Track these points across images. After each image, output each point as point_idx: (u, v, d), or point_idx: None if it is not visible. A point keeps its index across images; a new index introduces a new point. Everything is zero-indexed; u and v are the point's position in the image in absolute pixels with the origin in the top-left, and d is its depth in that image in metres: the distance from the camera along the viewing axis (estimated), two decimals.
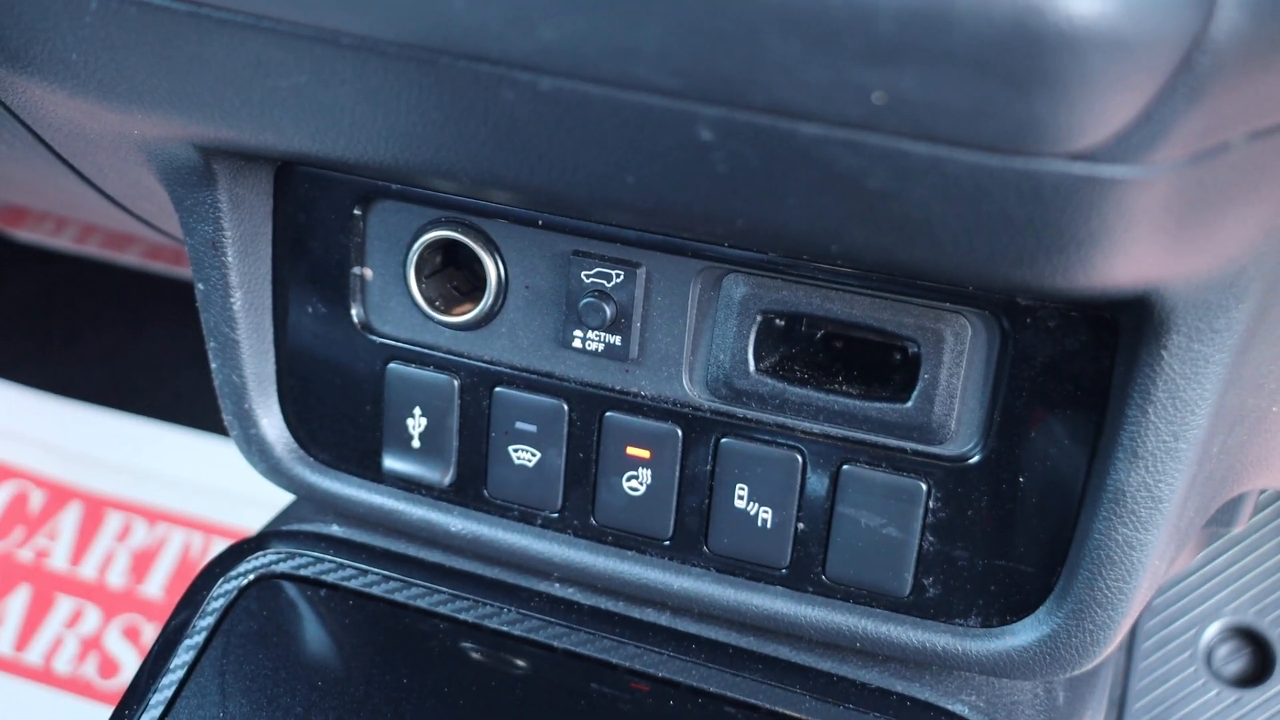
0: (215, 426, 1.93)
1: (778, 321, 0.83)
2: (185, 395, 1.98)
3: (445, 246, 0.87)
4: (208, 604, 0.92)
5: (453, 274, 0.89)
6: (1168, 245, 0.63)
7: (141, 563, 1.83)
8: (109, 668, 1.72)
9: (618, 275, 0.82)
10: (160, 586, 1.81)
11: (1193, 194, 0.60)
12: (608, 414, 0.86)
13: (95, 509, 1.89)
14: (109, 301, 2.13)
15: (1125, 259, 0.63)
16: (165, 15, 0.68)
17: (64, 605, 1.79)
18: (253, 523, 1.86)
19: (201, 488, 1.89)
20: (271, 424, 0.95)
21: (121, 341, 2.09)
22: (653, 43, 0.56)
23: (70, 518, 1.89)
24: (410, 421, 0.91)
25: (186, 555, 1.84)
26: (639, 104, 0.60)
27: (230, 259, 0.89)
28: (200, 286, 0.91)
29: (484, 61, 0.61)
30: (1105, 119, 0.54)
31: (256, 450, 0.95)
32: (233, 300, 0.90)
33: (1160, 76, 0.53)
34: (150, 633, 1.75)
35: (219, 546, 1.85)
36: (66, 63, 0.75)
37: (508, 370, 0.88)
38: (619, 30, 0.56)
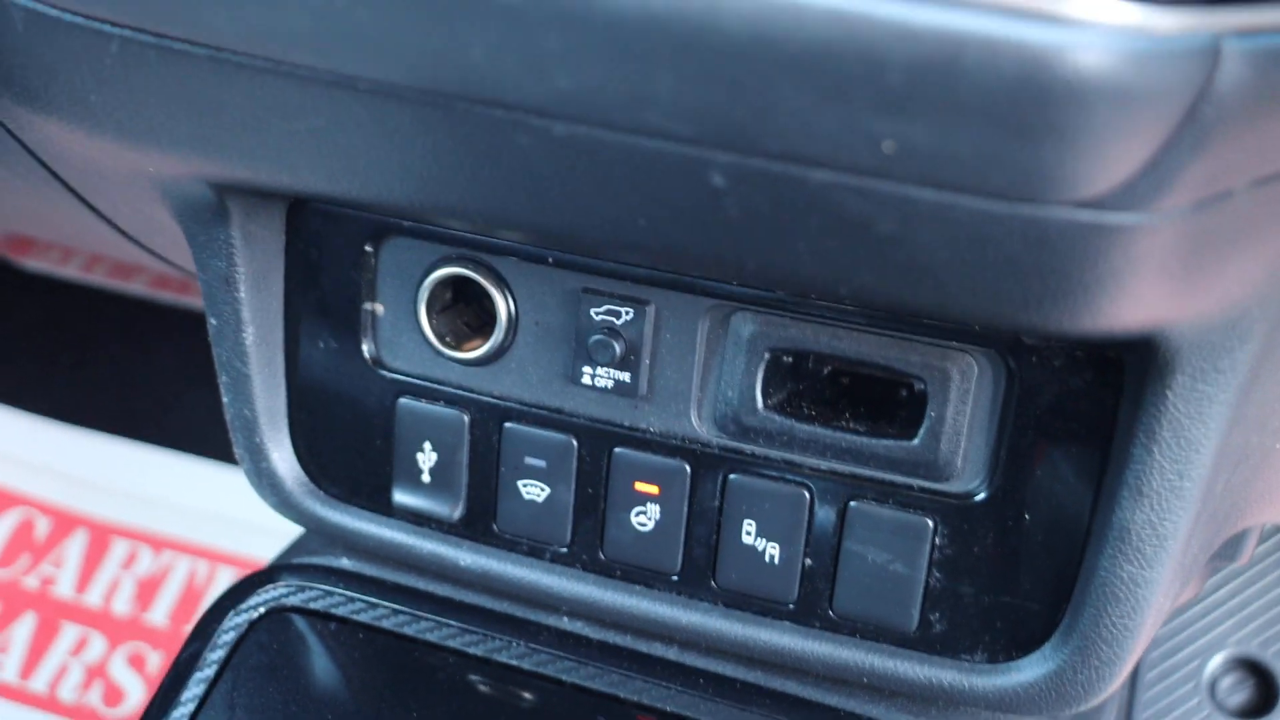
0: (221, 454, 1.94)
1: (785, 358, 0.84)
2: (191, 422, 1.99)
3: (456, 282, 0.88)
4: (218, 636, 0.93)
5: (463, 310, 0.90)
6: (1173, 288, 0.64)
7: (147, 590, 1.84)
8: (114, 696, 1.73)
9: (627, 312, 0.83)
10: (165, 614, 1.81)
11: (1197, 239, 0.61)
12: (617, 450, 0.87)
13: (101, 536, 1.90)
14: (115, 329, 2.14)
15: (1131, 302, 0.64)
16: (185, 59, 0.69)
17: (69, 633, 1.80)
18: (258, 550, 1.87)
19: (207, 515, 1.90)
20: (282, 457, 0.95)
21: (127, 369, 2.10)
22: (667, 91, 0.57)
23: (76, 545, 1.89)
24: (420, 456, 0.92)
25: (192, 583, 1.84)
26: (652, 149, 0.61)
27: (243, 294, 0.90)
28: (213, 321, 0.92)
29: (499, 107, 0.62)
30: (1112, 168, 0.55)
31: (267, 484, 0.96)
32: (245, 335, 0.91)
33: (1166, 127, 0.54)
34: (156, 661, 1.75)
35: (225, 575, 1.85)
36: (85, 103, 0.76)
37: (517, 406, 0.89)
38: (634, 79, 0.57)
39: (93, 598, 1.83)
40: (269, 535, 1.76)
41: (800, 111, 0.55)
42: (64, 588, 1.84)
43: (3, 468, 1.97)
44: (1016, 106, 0.53)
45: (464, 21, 0.58)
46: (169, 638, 1.78)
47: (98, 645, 1.78)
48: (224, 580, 1.85)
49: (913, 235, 0.61)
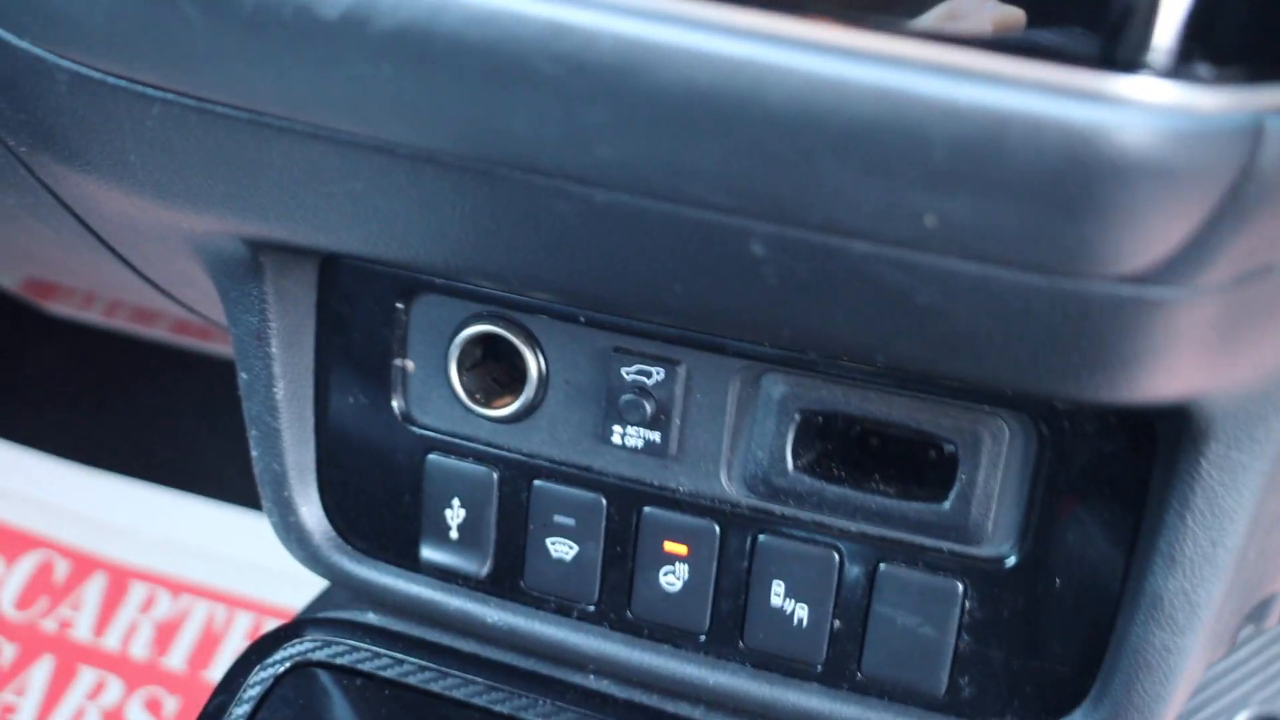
0: (241, 499, 1.94)
1: (816, 419, 0.84)
2: (212, 467, 1.99)
3: (486, 339, 0.88)
4: (244, 691, 0.93)
5: (493, 366, 0.90)
6: (1210, 360, 0.64)
7: (165, 634, 1.83)
8: None
9: (658, 372, 0.83)
10: (183, 659, 1.81)
11: (1236, 313, 0.61)
12: (646, 509, 0.87)
13: (119, 579, 1.90)
14: (137, 374, 2.15)
15: (1168, 373, 0.64)
16: (226, 122, 0.69)
17: (86, 676, 1.79)
18: (277, 596, 1.87)
19: (226, 560, 1.90)
20: (310, 512, 0.95)
21: (148, 413, 2.10)
22: (710, 164, 0.57)
23: (94, 588, 1.89)
24: (449, 512, 0.92)
25: (210, 628, 1.84)
26: (692, 218, 0.62)
27: (274, 350, 0.90)
28: (244, 376, 0.92)
29: (540, 174, 0.63)
30: (1153, 245, 0.55)
31: (295, 538, 0.96)
32: (275, 390, 0.91)
33: (1208, 205, 0.54)
34: (172, 705, 1.75)
35: (243, 620, 1.85)
36: (124, 163, 0.77)
37: (547, 464, 0.89)
38: (677, 151, 0.57)
39: (111, 641, 1.83)
40: (288, 580, 1.77)
41: (843, 185, 0.55)
42: (82, 631, 1.84)
43: (23, 510, 1.97)
44: (1060, 184, 0.53)
45: (508, 92, 0.59)
46: (186, 682, 1.78)
47: (115, 689, 1.78)
48: (242, 625, 1.85)
49: (952, 306, 0.61)
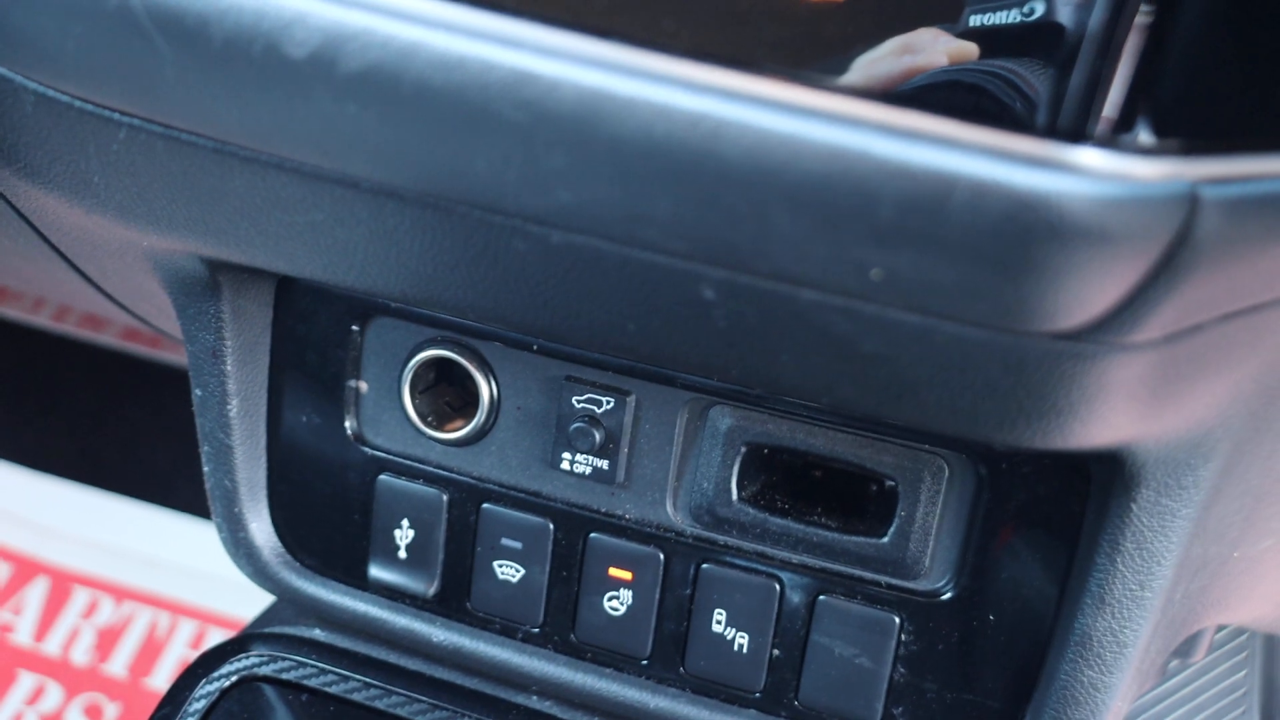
0: (186, 506, 1.94)
1: (761, 452, 0.86)
2: (158, 474, 1.99)
3: (440, 363, 0.90)
4: (189, 704, 0.94)
5: (446, 390, 0.92)
6: (1141, 411, 0.67)
7: (106, 640, 1.83)
8: None
9: (608, 402, 0.85)
10: (124, 666, 1.81)
11: (1167, 369, 0.64)
12: (592, 535, 0.89)
13: (62, 584, 1.90)
14: (84, 378, 2.14)
15: (1100, 424, 0.66)
16: (190, 149, 0.71)
17: (25, 681, 1.79)
18: (221, 604, 1.87)
19: (170, 567, 1.90)
20: (260, 528, 0.96)
21: (94, 418, 2.10)
22: (665, 211, 0.59)
23: (36, 592, 1.89)
24: (398, 532, 0.93)
25: (153, 635, 1.84)
26: (646, 261, 0.63)
27: (229, 367, 0.91)
28: (198, 392, 0.93)
29: (499, 214, 0.64)
30: (1089, 305, 0.57)
31: (244, 553, 0.97)
32: (229, 407, 0.92)
33: (1143, 269, 0.56)
34: (113, 712, 1.75)
35: (186, 627, 1.85)
36: (88, 183, 0.77)
37: (496, 488, 0.90)
38: (633, 198, 0.59)
39: (51, 646, 1.83)
40: (232, 589, 1.77)
41: (793, 237, 0.57)
42: (22, 635, 1.84)
43: None
44: (1001, 245, 0.55)
45: (471, 135, 0.60)
46: (127, 689, 1.78)
47: (54, 695, 1.77)
48: (185, 632, 1.85)
49: (895, 355, 0.63)
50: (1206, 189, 0.55)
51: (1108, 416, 0.66)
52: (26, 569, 1.91)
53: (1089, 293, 0.57)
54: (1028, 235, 0.54)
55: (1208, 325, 0.62)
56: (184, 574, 1.89)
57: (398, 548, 0.93)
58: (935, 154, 0.54)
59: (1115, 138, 0.55)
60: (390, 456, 0.92)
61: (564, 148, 0.59)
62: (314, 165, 0.67)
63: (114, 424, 2.08)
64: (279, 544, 0.97)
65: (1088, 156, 0.54)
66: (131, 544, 1.92)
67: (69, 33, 0.67)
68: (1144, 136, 0.55)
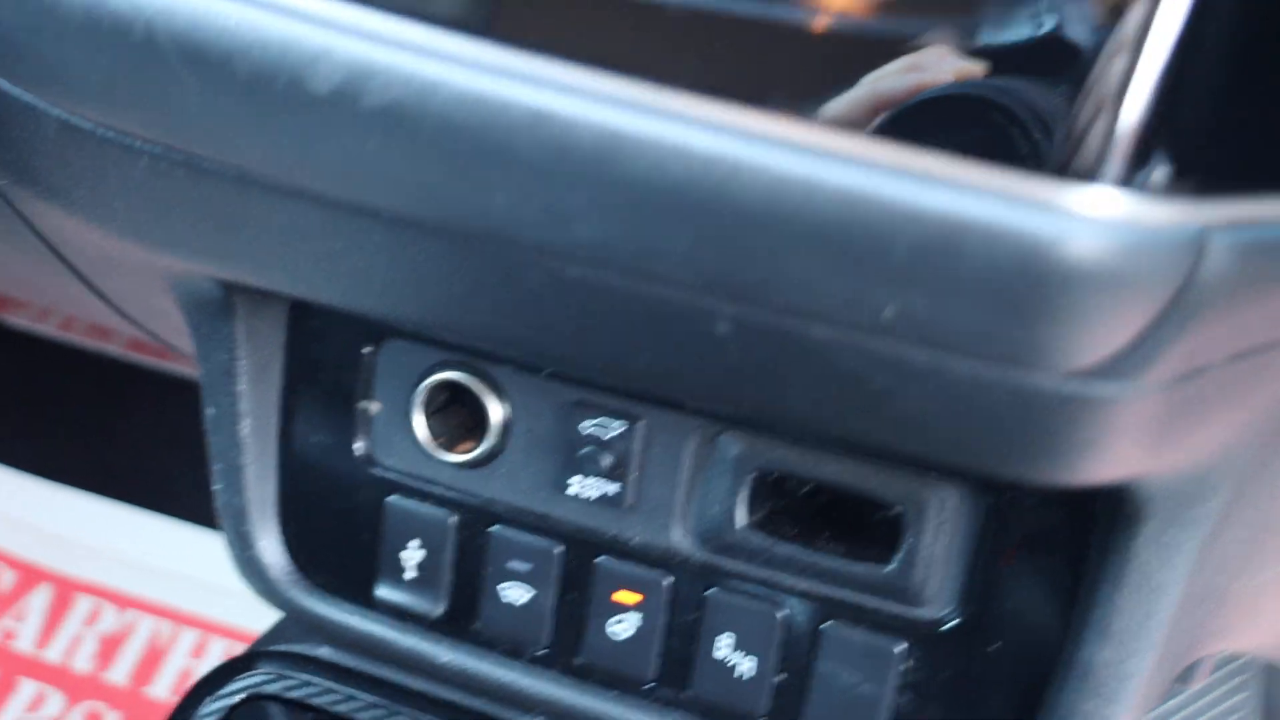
0: (191, 515, 1.95)
1: (769, 478, 0.86)
2: (163, 482, 1.99)
3: (451, 384, 0.90)
4: None
5: (457, 411, 0.92)
6: (1147, 449, 0.68)
7: (108, 648, 1.84)
8: None
9: (617, 427, 0.86)
10: (126, 674, 1.81)
11: (1174, 408, 0.65)
12: (600, 558, 0.89)
13: (65, 592, 1.90)
14: (90, 387, 2.15)
15: (1106, 461, 0.67)
16: (212, 177, 0.71)
17: (26, 689, 1.80)
18: (223, 612, 1.88)
19: (173, 575, 1.91)
20: (270, 547, 0.97)
21: (101, 427, 2.11)
22: (680, 249, 0.60)
23: (40, 599, 1.89)
24: (406, 553, 0.94)
25: (154, 643, 1.85)
26: (660, 295, 0.64)
27: (242, 386, 0.92)
28: (210, 410, 0.94)
29: (516, 247, 0.65)
30: (1099, 346, 0.58)
31: (254, 572, 0.97)
32: (241, 426, 0.93)
33: (1151, 312, 0.57)
34: None
35: (188, 636, 1.86)
36: (109, 208, 0.78)
37: (505, 510, 0.91)
38: (649, 235, 0.60)
39: (53, 654, 1.83)
40: (234, 598, 1.77)
41: (806, 277, 0.58)
42: (24, 643, 1.84)
43: None
44: (1012, 288, 0.56)
45: (491, 171, 0.61)
46: (128, 697, 1.79)
47: (56, 702, 1.78)
48: (188, 641, 1.85)
49: (905, 391, 0.64)
50: (1215, 234, 0.56)
51: (1113, 453, 0.66)
52: (31, 576, 1.92)
53: (1098, 335, 0.57)
54: (1039, 279, 0.55)
55: (1215, 366, 0.63)
56: (187, 583, 1.89)
57: (406, 568, 0.94)
58: (947, 198, 0.55)
59: (1126, 179, 0.56)
60: (400, 478, 0.93)
61: (581, 186, 0.60)
62: (335, 195, 0.68)
63: (120, 432, 2.09)
64: (288, 562, 0.98)
65: (1098, 201, 0.55)
66: (136, 552, 1.93)
67: (94, 62, 0.68)
68: (1155, 172, 0.56)
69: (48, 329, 2.19)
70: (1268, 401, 0.70)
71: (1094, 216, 0.55)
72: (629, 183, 0.59)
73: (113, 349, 2.17)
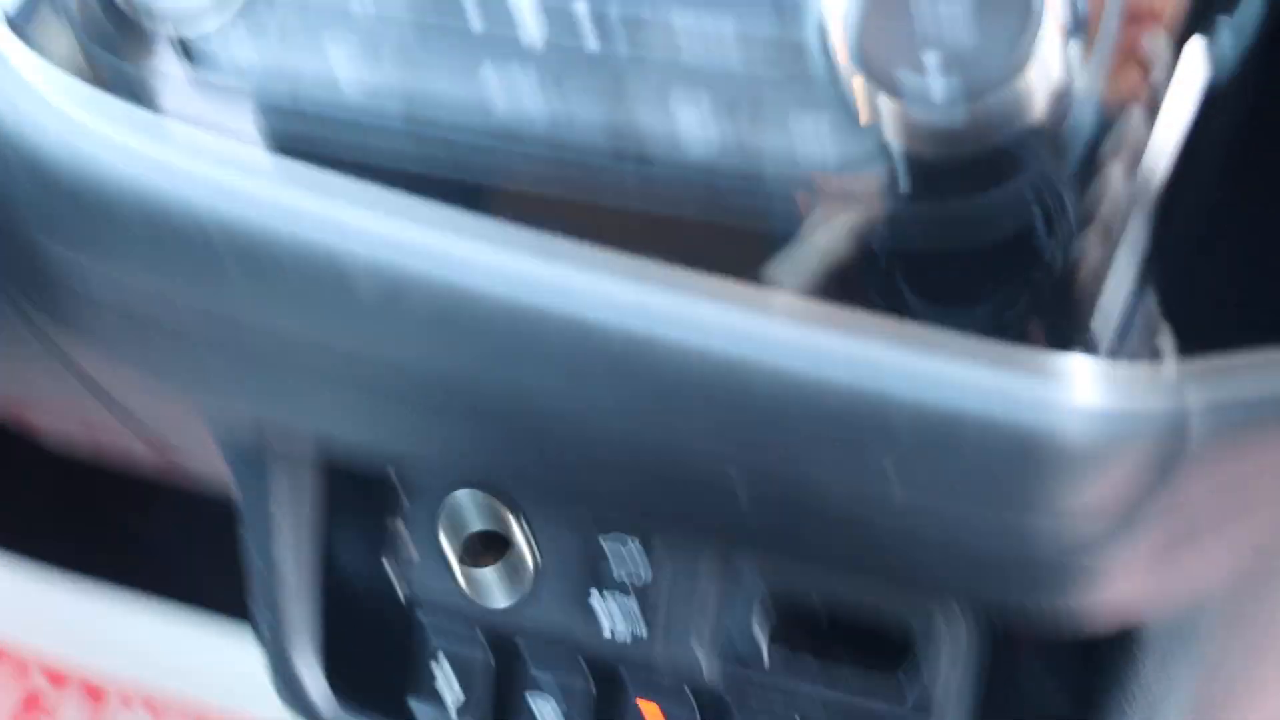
0: (222, 608, 1.96)
1: (783, 597, 0.90)
2: (196, 580, 2.00)
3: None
4: None
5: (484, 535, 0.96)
6: (1141, 596, 0.72)
7: None
8: None
9: (638, 554, 0.89)
10: None
11: (1166, 564, 0.69)
12: (625, 684, 0.93)
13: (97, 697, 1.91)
14: (123, 484, 2.17)
15: (1102, 611, 0.71)
16: (253, 335, 0.76)
17: None
18: (253, 706, 1.87)
19: (206, 672, 1.92)
20: (306, 667, 1.00)
21: (133, 525, 2.12)
22: (700, 432, 0.65)
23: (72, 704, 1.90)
24: (440, 676, 0.97)
25: None
26: (678, 460, 0.69)
27: (274, 509, 0.96)
28: (247, 537, 0.98)
29: (543, 418, 0.70)
30: (1091, 509, 0.63)
31: (292, 691, 1.01)
32: (275, 548, 0.97)
33: (1140, 484, 0.62)
34: None
35: None
36: (148, 357, 0.83)
37: (531, 637, 0.94)
38: (671, 415, 0.65)
39: None
40: (263, 688, 1.78)
41: (816, 457, 0.63)
42: None
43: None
44: (1009, 466, 0.61)
45: (524, 365, 0.67)
46: None
47: None
48: None
49: (911, 539, 0.68)
50: (1196, 417, 0.60)
51: (1109, 603, 0.71)
52: (59, 681, 1.93)
53: (1089, 502, 0.62)
54: (1034, 460, 0.60)
55: (1201, 507, 0.68)
56: (221, 679, 1.91)
57: (440, 692, 0.97)
58: (949, 395, 0.60)
59: (1108, 350, 0.60)
60: (431, 603, 0.96)
61: (609, 383, 0.65)
62: (372, 373, 0.72)
63: (152, 530, 2.10)
64: (325, 683, 1.01)
65: (1085, 395, 0.59)
66: (167, 651, 1.94)
67: (142, 240, 0.72)
68: (1138, 369, 0.60)
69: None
70: (1253, 536, 0.74)
71: (1084, 409, 0.59)
72: (652, 381, 0.64)
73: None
